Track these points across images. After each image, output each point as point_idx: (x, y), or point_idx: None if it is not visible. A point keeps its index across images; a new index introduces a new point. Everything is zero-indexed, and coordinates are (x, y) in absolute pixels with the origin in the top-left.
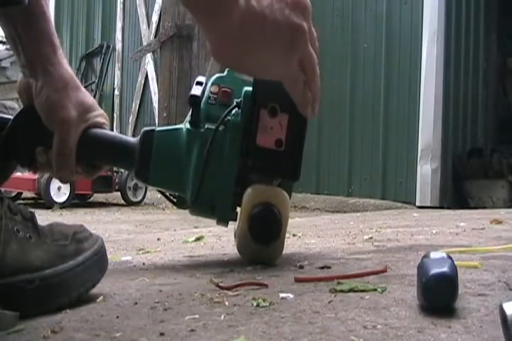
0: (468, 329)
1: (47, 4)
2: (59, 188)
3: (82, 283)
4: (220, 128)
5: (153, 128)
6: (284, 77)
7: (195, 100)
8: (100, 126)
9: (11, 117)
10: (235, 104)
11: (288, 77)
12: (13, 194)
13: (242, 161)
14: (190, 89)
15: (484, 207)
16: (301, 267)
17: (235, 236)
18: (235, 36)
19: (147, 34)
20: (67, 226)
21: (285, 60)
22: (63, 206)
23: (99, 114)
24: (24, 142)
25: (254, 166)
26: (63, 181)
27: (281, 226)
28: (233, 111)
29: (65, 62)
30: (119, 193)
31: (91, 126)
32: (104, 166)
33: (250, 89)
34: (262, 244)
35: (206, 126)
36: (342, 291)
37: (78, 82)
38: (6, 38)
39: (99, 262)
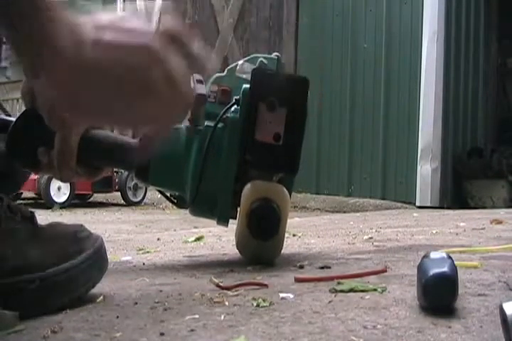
0: (468, 329)
1: None
2: (59, 188)
3: (82, 282)
4: (219, 125)
5: None
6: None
7: (202, 99)
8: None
9: (14, 119)
10: (233, 101)
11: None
12: (13, 194)
13: (241, 156)
14: None
15: (484, 207)
16: (301, 267)
17: (235, 235)
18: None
19: None
20: (67, 226)
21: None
22: (63, 206)
23: None
24: (27, 143)
25: (252, 161)
26: (65, 181)
27: (281, 222)
28: (232, 109)
29: None
30: (119, 193)
31: (92, 126)
32: (104, 167)
33: (249, 86)
34: (261, 239)
35: (205, 124)
36: (342, 291)
37: None
38: (6, 40)
39: (99, 262)
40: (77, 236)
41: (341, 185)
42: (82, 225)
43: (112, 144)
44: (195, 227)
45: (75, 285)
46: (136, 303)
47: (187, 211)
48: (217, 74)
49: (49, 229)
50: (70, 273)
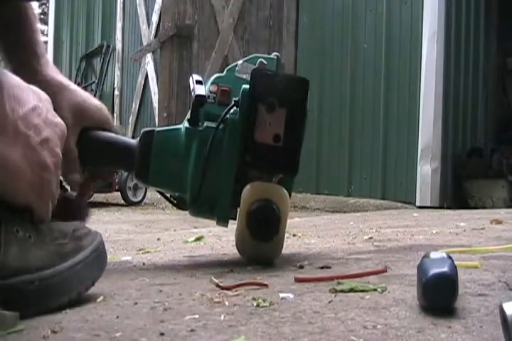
0: (468, 329)
1: (33, 14)
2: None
3: (81, 281)
4: (220, 126)
5: (153, 128)
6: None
7: (201, 100)
8: (101, 124)
9: None
10: (233, 102)
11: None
12: None
13: (241, 157)
14: (187, 87)
15: (484, 207)
16: (301, 267)
17: (235, 236)
18: None
19: (147, 34)
20: (66, 224)
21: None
22: None
23: (93, 108)
24: None
25: (252, 162)
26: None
27: (280, 223)
28: (232, 110)
29: (49, 68)
30: (119, 193)
31: (89, 126)
32: (104, 167)
33: (248, 86)
34: (261, 240)
35: (205, 125)
36: (342, 291)
37: (68, 83)
38: None
39: (98, 259)
40: (76, 234)
41: (341, 185)
42: (80, 222)
43: (112, 145)
44: (195, 227)
45: (74, 285)
46: (136, 303)
47: (187, 211)
48: (217, 75)
49: (48, 227)
50: (69, 273)
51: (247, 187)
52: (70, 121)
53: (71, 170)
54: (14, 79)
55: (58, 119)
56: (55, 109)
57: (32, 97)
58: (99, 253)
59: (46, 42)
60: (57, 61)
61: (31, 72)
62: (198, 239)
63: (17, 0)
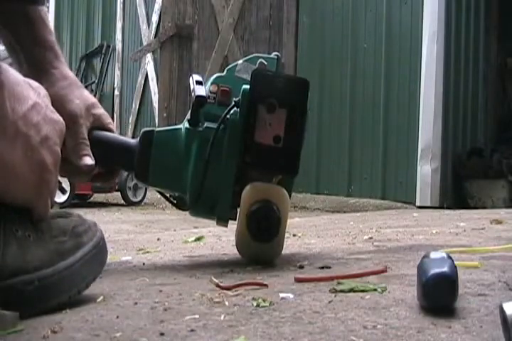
0: (468, 329)
1: (46, 15)
2: (59, 188)
3: (81, 278)
4: (220, 127)
5: (153, 129)
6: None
7: (201, 101)
8: (106, 125)
9: None
10: (233, 103)
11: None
12: None
13: (241, 158)
14: (187, 87)
15: (484, 207)
16: (301, 267)
17: (235, 236)
18: None
19: (147, 34)
20: (66, 221)
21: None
22: (63, 206)
23: (103, 113)
24: None
25: (252, 162)
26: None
27: (280, 224)
28: (232, 110)
29: (67, 66)
30: (119, 193)
31: (97, 124)
32: (104, 167)
33: (248, 86)
34: (261, 241)
35: (205, 125)
36: (342, 291)
37: (80, 83)
38: (7, 49)
39: (98, 255)
40: (75, 231)
41: (341, 185)
42: (80, 217)
43: (112, 144)
44: (195, 227)
45: (74, 282)
46: (136, 303)
47: (186, 211)
48: (217, 74)
49: (47, 224)
50: (69, 271)
51: (247, 187)
52: (84, 112)
53: (85, 154)
54: (14, 76)
55: (57, 116)
56: (69, 100)
57: (32, 94)
58: (100, 249)
59: None
60: None
61: (48, 66)
62: (198, 239)
63: (22, 2)
